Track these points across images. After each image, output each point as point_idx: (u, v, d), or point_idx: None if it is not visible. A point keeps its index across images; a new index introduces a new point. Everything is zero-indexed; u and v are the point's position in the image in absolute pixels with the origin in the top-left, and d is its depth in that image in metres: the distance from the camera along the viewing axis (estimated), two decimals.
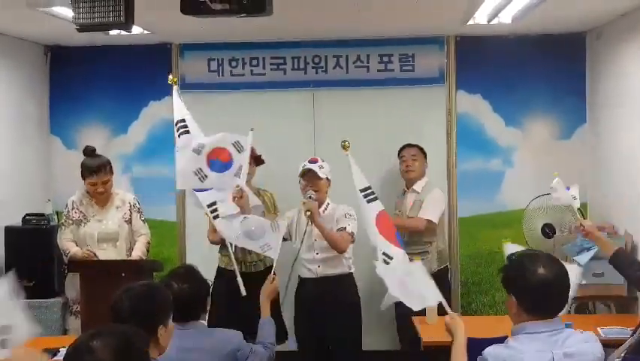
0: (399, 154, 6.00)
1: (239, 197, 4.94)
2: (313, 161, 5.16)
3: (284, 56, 6.55)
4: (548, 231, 5.82)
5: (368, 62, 6.53)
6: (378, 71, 6.53)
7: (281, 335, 5.24)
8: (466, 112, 6.53)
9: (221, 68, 6.58)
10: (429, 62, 6.51)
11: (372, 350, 5.89)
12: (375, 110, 6.52)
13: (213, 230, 5.35)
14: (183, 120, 5.09)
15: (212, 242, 5.45)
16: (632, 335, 3.71)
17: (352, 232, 5.08)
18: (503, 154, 6.52)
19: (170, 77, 5.37)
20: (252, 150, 5.49)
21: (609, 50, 5.97)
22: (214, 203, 5.00)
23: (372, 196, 4.83)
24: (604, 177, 6.08)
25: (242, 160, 5.05)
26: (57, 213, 6.26)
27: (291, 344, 5.28)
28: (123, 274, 4.48)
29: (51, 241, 5.68)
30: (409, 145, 6.00)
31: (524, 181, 6.39)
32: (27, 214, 5.99)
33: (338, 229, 5.08)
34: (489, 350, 2.82)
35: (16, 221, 5.96)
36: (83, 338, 2.15)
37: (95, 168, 5.19)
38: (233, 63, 6.57)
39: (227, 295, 5.02)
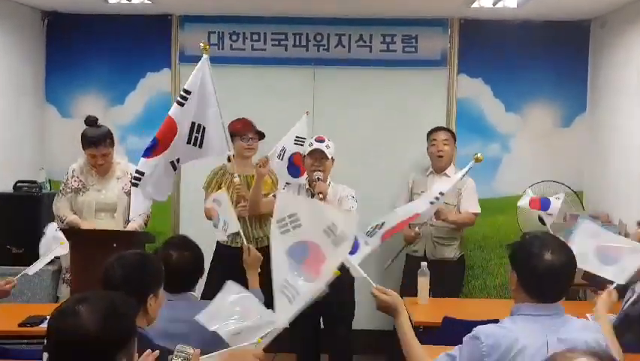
0: (428, 136, 5.92)
1: (262, 165, 4.89)
2: (320, 140, 5.06)
3: (285, 32, 6.47)
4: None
5: (370, 42, 6.46)
6: (381, 51, 6.46)
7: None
8: (466, 96, 6.48)
9: (221, 41, 6.50)
10: (432, 44, 6.45)
11: (362, 329, 5.87)
12: (375, 90, 6.46)
13: (210, 206, 5.34)
14: (188, 92, 4.68)
15: (210, 218, 5.43)
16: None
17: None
18: (502, 140, 6.48)
19: (202, 44, 4.77)
20: (252, 125, 5.44)
21: (613, 39, 5.93)
22: (142, 173, 4.73)
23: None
24: (601, 166, 6.06)
25: (286, 142, 5.20)
26: (50, 181, 6.23)
27: None
28: (115, 245, 4.43)
29: (42, 208, 5.64)
30: (441, 128, 5.92)
31: (521, 168, 6.38)
32: (18, 181, 5.94)
33: None
34: (481, 328, 2.78)
35: (8, 188, 5.90)
36: (69, 302, 2.12)
37: (94, 139, 5.11)
38: (234, 37, 6.49)
39: (225, 273, 4.84)
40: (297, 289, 2.80)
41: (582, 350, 1.75)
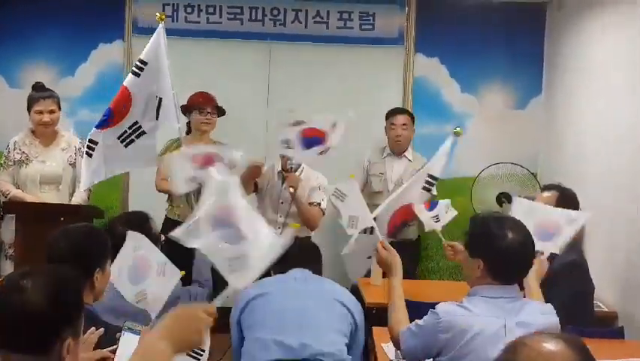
0: (387, 118, 5.88)
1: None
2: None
3: (241, 5, 6.37)
4: (504, 199, 5.83)
5: (327, 18, 6.40)
6: (338, 28, 6.40)
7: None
8: (423, 75, 6.46)
9: (175, 13, 6.36)
10: (389, 22, 6.41)
11: None
12: (332, 67, 6.41)
13: (163, 178, 5.18)
14: (144, 62, 4.63)
15: (161, 191, 5.31)
16: None
17: (324, 208, 5.01)
18: (457, 120, 6.45)
19: (158, 14, 4.80)
20: (213, 99, 5.36)
21: (569, 22, 5.94)
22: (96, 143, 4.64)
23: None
24: (556, 149, 6.10)
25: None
26: None
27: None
28: (62, 218, 4.31)
29: None
30: (400, 111, 5.89)
31: (477, 149, 6.36)
32: None
33: (311, 203, 4.97)
34: (442, 306, 2.78)
35: None
36: (12, 277, 2.02)
37: (42, 95, 5.04)
38: (189, 9, 6.36)
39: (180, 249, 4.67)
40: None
41: (550, 334, 1.73)
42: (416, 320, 2.90)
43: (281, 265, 3.38)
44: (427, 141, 6.37)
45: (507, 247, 2.73)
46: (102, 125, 4.63)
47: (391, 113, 5.86)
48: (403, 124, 5.80)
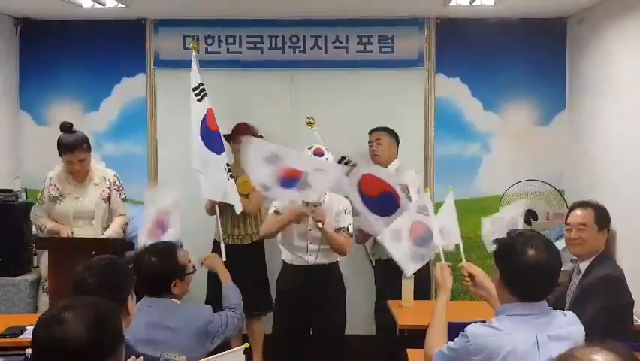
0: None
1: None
2: (319, 153, 4.72)
3: (261, 34, 6.42)
4: (530, 217, 5.82)
5: (347, 43, 6.43)
6: (357, 52, 6.43)
7: (266, 305, 5.57)
8: (444, 96, 6.46)
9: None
10: (408, 44, 6.43)
11: (348, 335, 5.82)
12: (353, 91, 6.43)
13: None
14: (201, 84, 5.21)
15: (210, 213, 5.62)
16: None
17: (352, 233, 4.89)
18: (481, 139, 6.47)
19: (192, 43, 5.46)
20: (245, 129, 5.71)
21: (590, 36, 5.93)
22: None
23: (351, 163, 4.60)
24: (581, 165, 6.06)
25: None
26: (26, 189, 6.12)
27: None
28: (93, 253, 4.33)
29: (19, 217, 5.53)
30: (377, 129, 5.93)
31: (502, 167, 6.36)
32: None
33: (338, 229, 4.79)
34: (471, 328, 2.75)
35: None
36: (54, 310, 2.03)
37: (70, 145, 5.02)
38: (209, 40, 6.43)
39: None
40: None
41: (600, 346, 1.71)
42: (448, 343, 2.87)
43: None
44: (450, 161, 6.39)
45: (523, 263, 2.72)
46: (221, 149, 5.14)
47: (370, 132, 5.95)
48: (377, 139, 5.86)
